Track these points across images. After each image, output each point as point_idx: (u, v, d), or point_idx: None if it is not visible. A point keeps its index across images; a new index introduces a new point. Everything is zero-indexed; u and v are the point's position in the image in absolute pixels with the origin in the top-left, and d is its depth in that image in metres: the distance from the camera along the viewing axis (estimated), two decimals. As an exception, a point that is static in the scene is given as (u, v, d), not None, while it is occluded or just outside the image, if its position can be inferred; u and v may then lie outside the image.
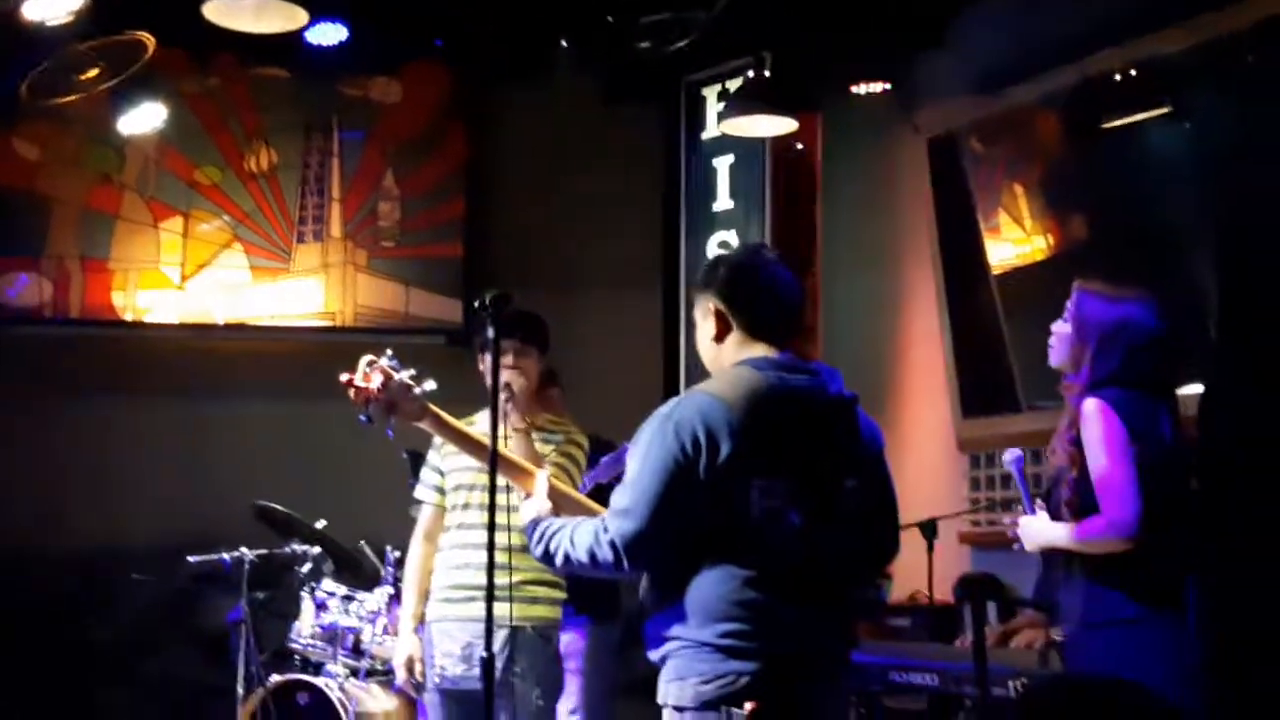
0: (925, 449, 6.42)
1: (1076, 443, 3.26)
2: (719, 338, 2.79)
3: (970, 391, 6.26)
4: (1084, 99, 5.49)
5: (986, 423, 6.13)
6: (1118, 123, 5.28)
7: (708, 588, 2.62)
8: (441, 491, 4.07)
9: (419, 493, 4.14)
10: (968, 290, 6.27)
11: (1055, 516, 3.37)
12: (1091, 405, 3.24)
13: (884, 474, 2.84)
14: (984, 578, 5.48)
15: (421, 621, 4.03)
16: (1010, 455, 3.58)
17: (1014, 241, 6.10)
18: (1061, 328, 3.45)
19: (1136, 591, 3.20)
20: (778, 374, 2.70)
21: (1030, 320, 6.08)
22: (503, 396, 3.83)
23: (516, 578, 3.78)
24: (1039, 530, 3.39)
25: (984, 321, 6.18)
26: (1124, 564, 3.20)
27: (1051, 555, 3.43)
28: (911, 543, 5.07)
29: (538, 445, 3.96)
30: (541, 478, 3.01)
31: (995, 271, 6.17)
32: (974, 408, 6.23)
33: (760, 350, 2.76)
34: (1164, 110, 5.11)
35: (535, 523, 2.84)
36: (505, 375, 3.91)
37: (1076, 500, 3.27)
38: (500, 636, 3.81)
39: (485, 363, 3.85)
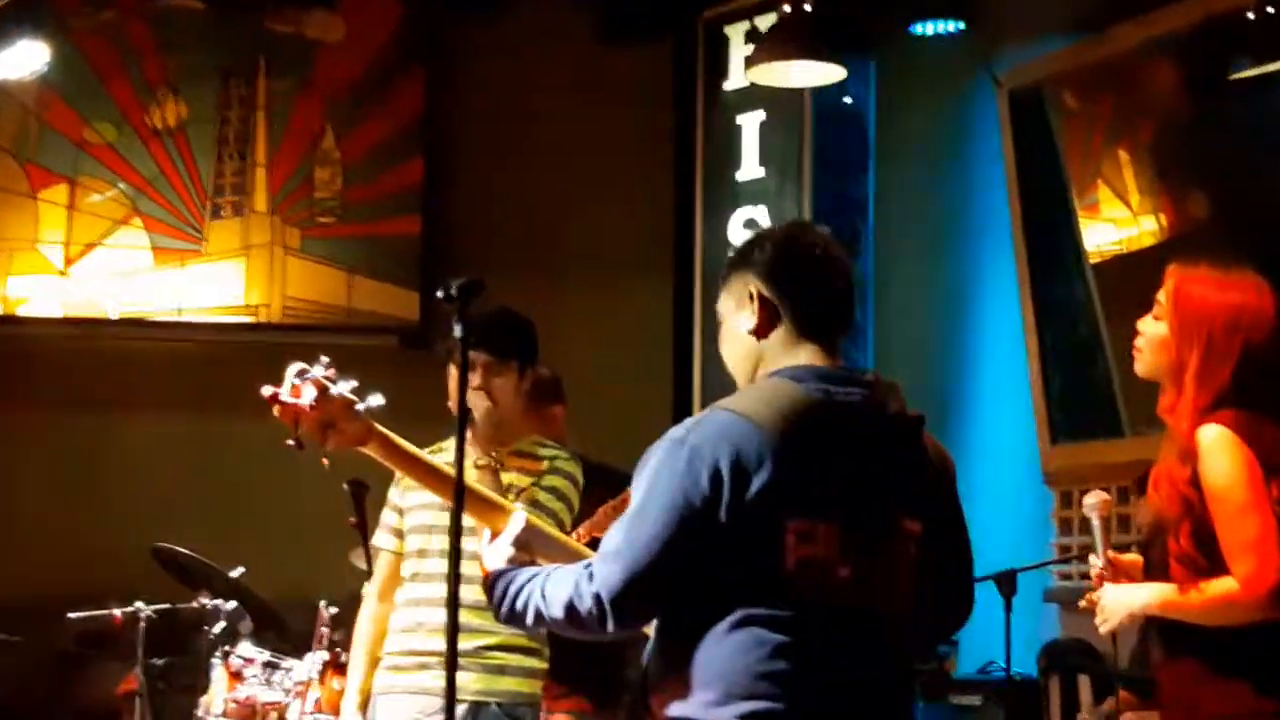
0: (1002, 482, 6.41)
1: (1194, 484, 3.19)
2: (762, 330, 2.77)
3: (1060, 411, 6.25)
4: (1207, 43, 5.48)
5: (1080, 450, 6.12)
6: (1250, 73, 5.27)
7: (728, 657, 2.61)
8: (402, 536, 4.08)
9: (377, 539, 4.16)
10: (1058, 283, 6.27)
11: (1156, 576, 3.30)
12: (1212, 434, 3.18)
13: (957, 515, 2.82)
14: (1076, 645, 5.53)
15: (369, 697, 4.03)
16: (1092, 500, 3.51)
17: (1117, 222, 6.09)
18: (1153, 327, 3.38)
19: (1274, 678, 3.17)
20: (822, 387, 2.68)
21: (1138, 321, 6.08)
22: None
23: (480, 641, 3.78)
24: (1126, 599, 3.31)
25: (1078, 322, 6.18)
26: (1259, 641, 3.17)
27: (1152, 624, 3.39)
28: (984, 600, 5.05)
29: (513, 479, 3.95)
30: (517, 517, 3.00)
31: (1093, 259, 6.16)
32: (1065, 431, 6.22)
33: (805, 355, 2.74)
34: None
35: (498, 575, 2.82)
36: (468, 397, 3.88)
37: (1197, 556, 3.19)
38: (459, 715, 3.80)
39: (453, 376, 3.83)
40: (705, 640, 2.62)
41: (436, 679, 3.83)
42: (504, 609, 2.77)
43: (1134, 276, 6.03)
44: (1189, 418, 3.22)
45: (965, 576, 2.88)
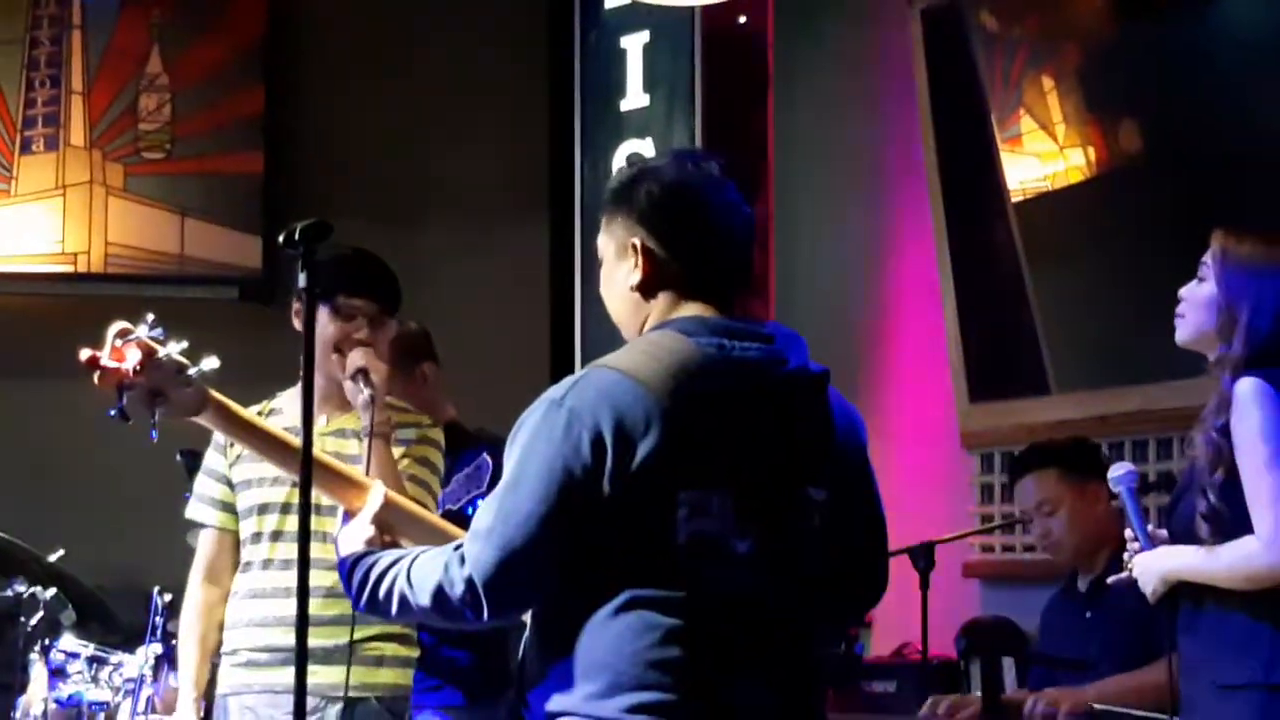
0: (917, 446, 6.48)
1: (1226, 432, 3.37)
2: (647, 286, 2.77)
3: (979, 366, 6.32)
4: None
5: (1002, 409, 6.19)
6: (1188, -11, 5.35)
7: (614, 644, 2.62)
8: (229, 510, 4.03)
9: (193, 511, 4.12)
10: (977, 224, 6.32)
11: (1184, 539, 3.47)
12: (1248, 386, 3.36)
13: (866, 481, 2.85)
14: (998, 624, 5.61)
15: (210, 695, 4.01)
16: (1120, 471, 3.66)
17: (1041, 157, 6.15)
18: (1198, 291, 3.56)
19: None
20: (716, 341, 2.69)
21: (1064, 266, 6.16)
22: (361, 393, 3.78)
23: (357, 633, 3.76)
24: (1162, 562, 3.47)
25: (999, 268, 6.24)
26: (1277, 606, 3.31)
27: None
28: (899, 576, 5.10)
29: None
30: (376, 492, 2.99)
31: (1015, 198, 6.22)
32: (985, 389, 6.29)
33: (697, 307, 2.75)
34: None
35: (355, 559, 2.81)
36: (357, 357, 3.87)
37: (1223, 513, 3.37)
38: (333, 714, 3.81)
39: (325, 327, 3.80)
40: (588, 626, 2.63)
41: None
42: (364, 597, 2.76)
43: (1061, 216, 6.10)
44: (1231, 369, 3.42)
45: (877, 549, 2.91)
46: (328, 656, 3.82)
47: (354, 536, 2.89)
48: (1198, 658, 3.45)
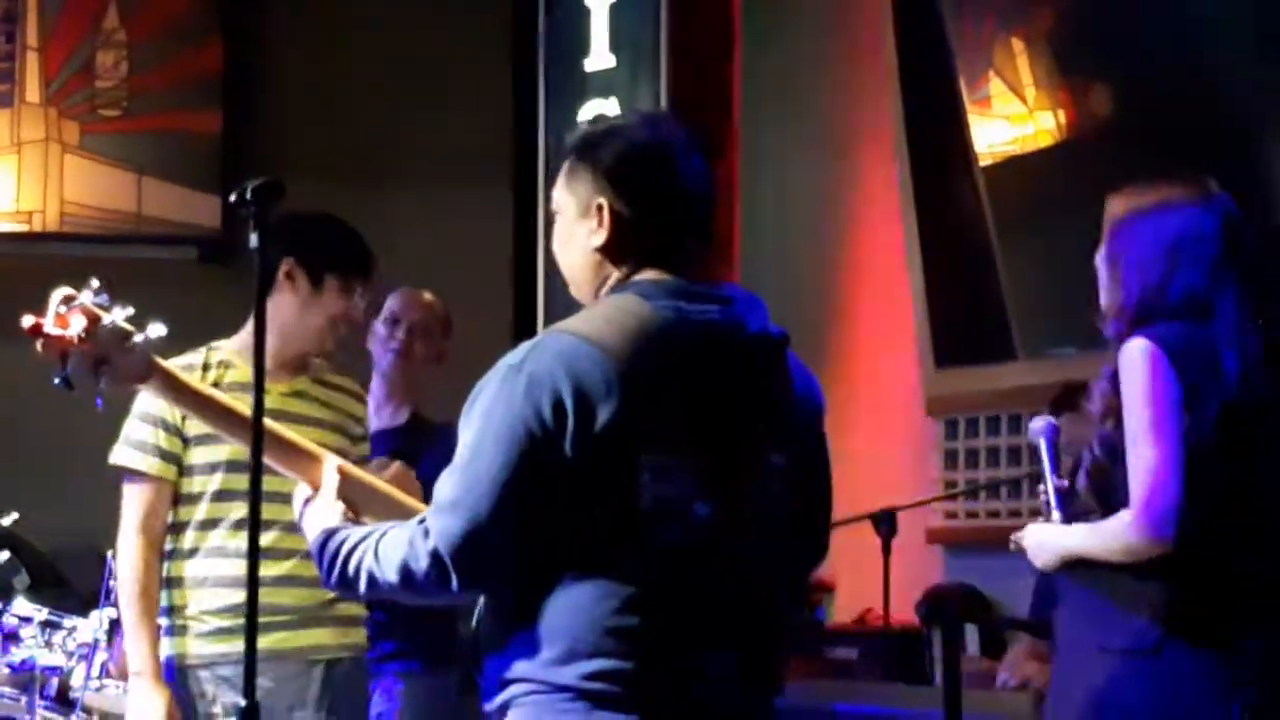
0: (881, 411, 6.50)
1: (1117, 383, 3.34)
2: (609, 247, 2.76)
3: (946, 332, 6.34)
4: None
5: (968, 375, 6.22)
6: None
7: (572, 610, 2.61)
8: (171, 461, 3.90)
9: (126, 457, 3.91)
10: (945, 188, 6.34)
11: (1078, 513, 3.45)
12: (1135, 348, 3.32)
13: (821, 446, 2.86)
14: (961, 591, 5.63)
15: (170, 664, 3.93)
16: (1040, 424, 3.64)
17: (1010, 119, 6.17)
18: (1099, 261, 3.55)
19: (1166, 613, 3.29)
20: (675, 305, 2.68)
21: (1032, 231, 6.17)
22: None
23: (331, 594, 3.74)
24: (1053, 539, 3.46)
25: (967, 233, 6.26)
26: (1152, 574, 3.29)
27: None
28: (861, 542, 5.13)
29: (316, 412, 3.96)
30: (330, 466, 2.98)
31: (984, 162, 6.24)
32: (951, 355, 6.31)
33: (654, 273, 2.75)
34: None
35: (326, 535, 2.80)
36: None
37: (1102, 481, 3.35)
38: (314, 678, 3.83)
39: (337, 307, 3.93)
40: (546, 593, 2.63)
41: (287, 640, 3.81)
42: (334, 575, 2.75)
43: (1030, 180, 6.12)
44: (1118, 331, 3.39)
45: (821, 515, 2.91)
46: (309, 618, 3.83)
47: (321, 515, 2.88)
48: (1069, 625, 3.44)
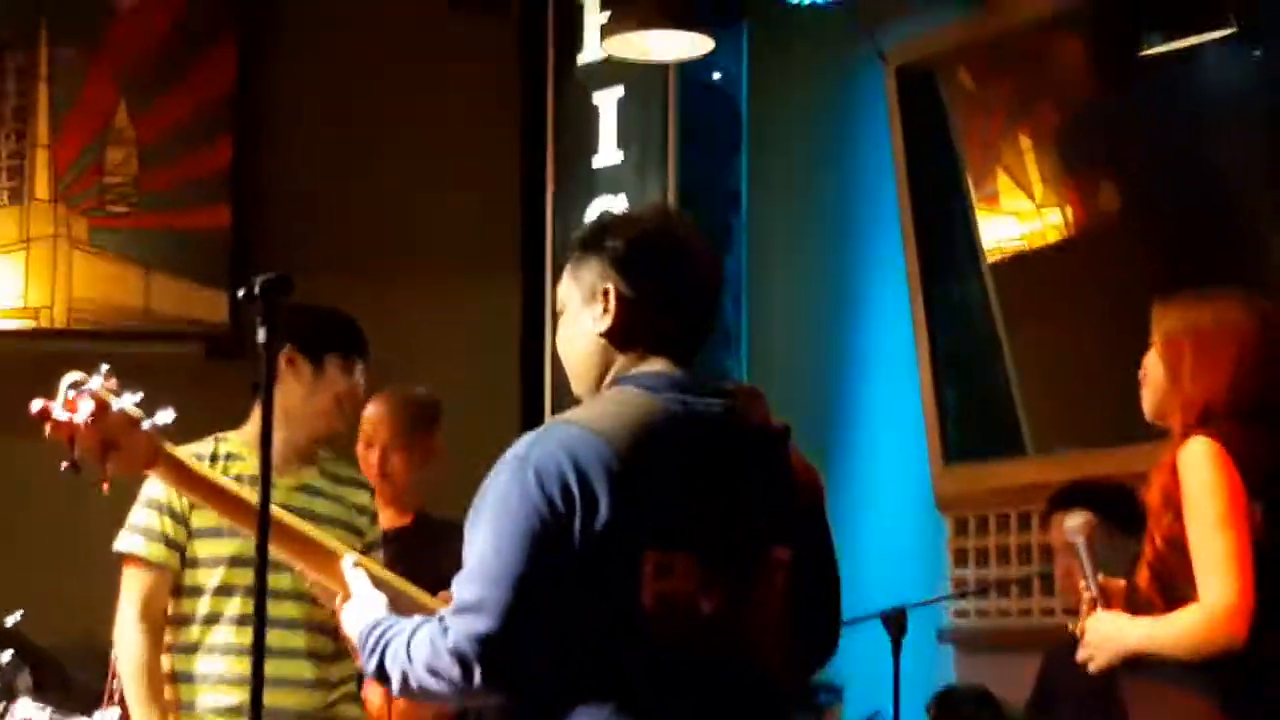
0: (890, 508, 6.48)
1: (1177, 485, 3.38)
2: (613, 333, 2.75)
3: (954, 427, 6.32)
4: (1117, 16, 5.58)
5: (977, 471, 6.19)
6: (1162, 49, 5.37)
7: (576, 708, 2.60)
8: (175, 549, 3.88)
9: (129, 544, 3.89)
10: (953, 282, 6.34)
11: (1138, 602, 3.47)
12: (1197, 447, 3.37)
13: (824, 538, 2.84)
14: (973, 693, 5.60)
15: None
16: (1077, 521, 3.67)
17: (1018, 216, 6.18)
18: (1150, 364, 3.59)
19: (1238, 714, 3.28)
20: (679, 398, 2.68)
21: (1041, 327, 6.18)
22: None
23: (332, 695, 3.77)
24: (1118, 633, 3.45)
25: (975, 327, 6.25)
26: (1222, 675, 3.30)
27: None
28: (871, 641, 5.10)
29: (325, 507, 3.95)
30: (349, 562, 2.97)
31: (991, 257, 6.25)
32: (960, 450, 6.29)
33: (661, 362, 2.74)
34: (1227, 32, 5.21)
35: (371, 626, 2.78)
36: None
37: (1166, 576, 3.38)
38: None
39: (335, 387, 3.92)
40: (556, 690, 2.61)
41: None
42: (371, 663, 2.72)
43: (1037, 276, 6.13)
44: (1179, 431, 3.46)
45: (832, 607, 2.90)
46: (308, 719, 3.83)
47: (367, 609, 2.84)
48: (1138, 711, 3.46)
